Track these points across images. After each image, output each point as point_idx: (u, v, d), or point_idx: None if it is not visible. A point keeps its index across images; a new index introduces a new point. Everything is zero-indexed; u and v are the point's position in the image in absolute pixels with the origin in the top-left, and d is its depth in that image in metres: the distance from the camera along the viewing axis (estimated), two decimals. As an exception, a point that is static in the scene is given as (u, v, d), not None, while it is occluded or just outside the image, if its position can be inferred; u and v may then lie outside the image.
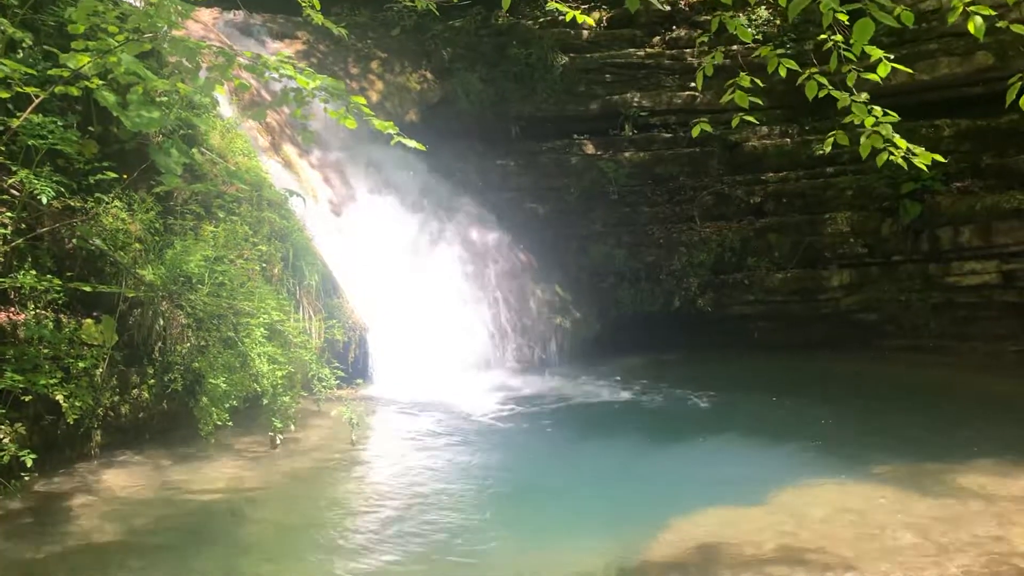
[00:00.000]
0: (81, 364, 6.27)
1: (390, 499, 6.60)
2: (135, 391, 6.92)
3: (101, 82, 5.74)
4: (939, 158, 4.79)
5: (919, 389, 10.12)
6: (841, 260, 12.66)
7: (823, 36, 4.50)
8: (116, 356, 6.74)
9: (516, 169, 13.84)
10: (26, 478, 5.92)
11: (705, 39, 13.04)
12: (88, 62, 5.28)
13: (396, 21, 14.10)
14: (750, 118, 5.42)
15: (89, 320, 6.53)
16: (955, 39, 12.15)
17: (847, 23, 3.94)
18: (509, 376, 11.24)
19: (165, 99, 7.22)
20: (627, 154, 13.75)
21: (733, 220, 13.37)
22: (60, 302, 6.37)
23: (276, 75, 5.26)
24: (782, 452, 7.59)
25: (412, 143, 5.34)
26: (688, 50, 14.02)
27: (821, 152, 12.85)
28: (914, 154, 4.70)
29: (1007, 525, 5.49)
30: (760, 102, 5.50)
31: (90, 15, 5.14)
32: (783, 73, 4.98)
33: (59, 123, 6.36)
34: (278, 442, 7.39)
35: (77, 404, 6.13)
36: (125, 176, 7.00)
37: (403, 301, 10.40)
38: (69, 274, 6.51)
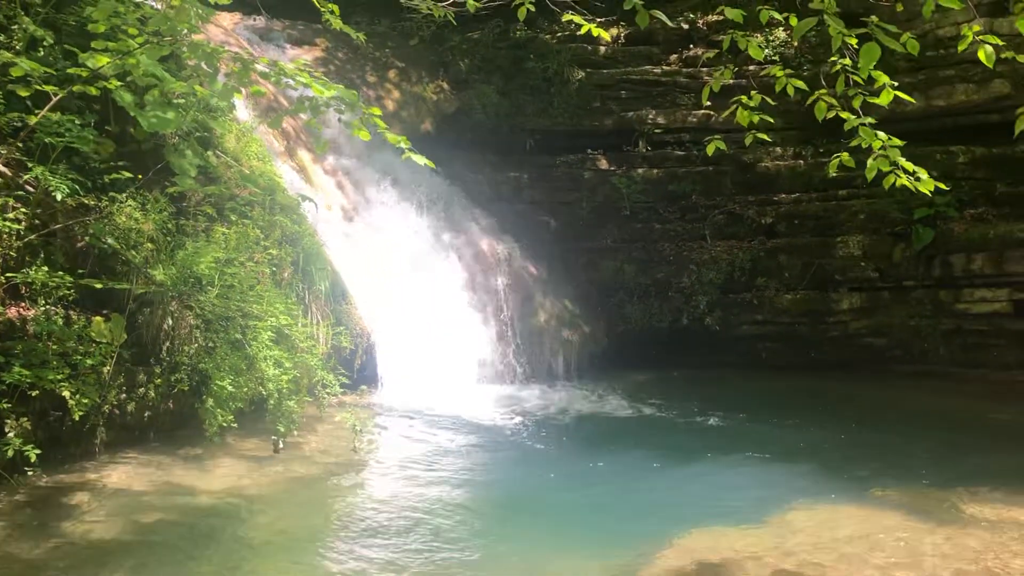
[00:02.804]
0: (89, 361, 6.30)
1: (391, 506, 6.60)
2: (141, 390, 6.95)
3: (119, 83, 5.80)
4: (942, 185, 4.81)
5: (925, 415, 10.05)
6: (851, 283, 12.63)
7: (832, 59, 4.52)
8: (124, 354, 6.78)
9: (529, 182, 13.88)
10: (30, 473, 5.97)
11: (711, 55, 13.06)
12: (107, 62, 5.34)
13: (414, 31, 14.19)
14: (763, 136, 5.43)
15: (98, 318, 6.57)
16: (972, 66, 12.11)
17: (856, 47, 3.96)
18: (515, 388, 11.24)
19: (182, 101, 7.30)
20: (640, 170, 13.77)
21: (744, 240, 13.36)
22: (70, 299, 6.42)
23: (292, 83, 5.32)
24: (785, 473, 7.55)
25: (422, 160, 5.36)
26: (704, 69, 14.04)
27: (835, 173, 12.82)
28: (919, 178, 4.71)
29: (1008, 554, 5.45)
30: (770, 120, 5.52)
31: (111, 16, 5.21)
32: (791, 92, 5.01)
33: (76, 122, 6.42)
34: (281, 446, 7.41)
35: (84, 401, 6.17)
36: (140, 176, 7.06)
37: (411, 310, 10.42)
38: (80, 271, 6.56)
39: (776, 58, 12.93)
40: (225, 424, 7.03)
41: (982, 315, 11.69)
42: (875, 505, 6.59)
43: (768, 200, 13.42)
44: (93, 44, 5.46)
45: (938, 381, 11.59)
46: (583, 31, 5.32)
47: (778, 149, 13.55)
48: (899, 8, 6.31)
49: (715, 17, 14.37)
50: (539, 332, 12.22)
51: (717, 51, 13.61)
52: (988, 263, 11.57)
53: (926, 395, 11.02)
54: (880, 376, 12.02)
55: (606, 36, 6.44)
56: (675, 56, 14.57)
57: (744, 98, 5.15)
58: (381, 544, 5.77)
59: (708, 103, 13.35)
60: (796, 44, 13.23)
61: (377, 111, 5.17)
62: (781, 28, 13.57)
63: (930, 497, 6.72)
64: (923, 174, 4.65)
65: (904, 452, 8.24)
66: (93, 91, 5.85)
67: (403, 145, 5.14)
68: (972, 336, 11.93)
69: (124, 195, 7.02)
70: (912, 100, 5.34)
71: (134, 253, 6.96)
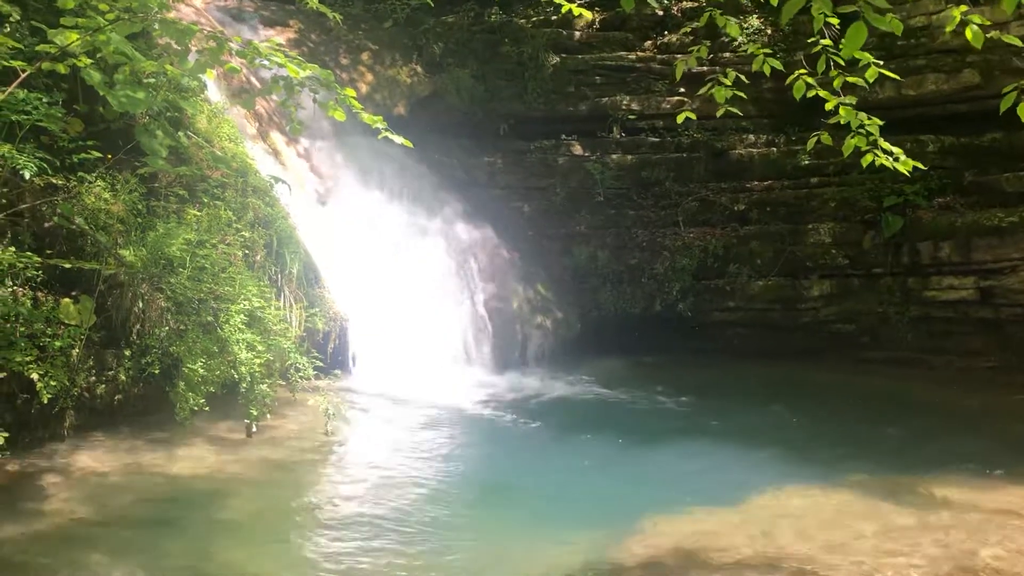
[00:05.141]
0: (57, 343, 6.22)
1: (364, 490, 6.61)
2: (111, 373, 6.87)
3: (89, 60, 5.69)
4: (920, 165, 4.85)
5: (894, 400, 10.20)
6: (822, 270, 12.74)
7: (812, 39, 4.54)
8: (93, 337, 6.70)
9: (503, 167, 13.83)
10: (-3, 456, 5.88)
11: (689, 28, 13.09)
12: (77, 40, 5.23)
13: (389, 14, 14.06)
14: (735, 110, 5.45)
15: (67, 299, 6.48)
16: (943, 56, 12.26)
17: (838, 28, 3.99)
18: (488, 373, 11.25)
19: (152, 81, 7.17)
20: (614, 156, 13.77)
21: (717, 227, 13.42)
22: (38, 280, 6.31)
23: (266, 62, 5.25)
24: (757, 457, 7.64)
25: (399, 139, 5.34)
26: (679, 55, 14.04)
27: (806, 160, 12.95)
28: (896, 158, 4.76)
29: (976, 538, 5.55)
30: (743, 95, 5.54)
31: (80, -9, 5.10)
32: (767, 71, 5.03)
33: (44, 100, 6.31)
34: (254, 430, 7.36)
35: (52, 383, 6.09)
36: (109, 156, 6.96)
37: (385, 294, 10.37)
38: (49, 252, 6.46)
39: (745, 49, 12.97)
40: (196, 408, 6.97)
41: (949, 302, 11.84)
42: (845, 488, 6.68)
43: (741, 187, 13.49)
44: (62, 20, 5.35)
45: (906, 367, 11.75)
46: (564, 10, 5.28)
47: (751, 136, 13.63)
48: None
49: (689, 3, 14.40)
50: (512, 317, 12.22)
51: (692, 35, 13.70)
52: (955, 251, 11.73)
53: (894, 381, 11.17)
54: (849, 362, 12.16)
55: (588, 15, 6.40)
56: (649, 42, 14.57)
57: (721, 76, 5.16)
58: (354, 528, 5.76)
59: (682, 90, 13.65)
60: (783, 29, 13.26)
61: (352, 92, 5.12)
62: (755, 16, 13.64)
63: (899, 481, 6.82)
64: (901, 154, 4.69)
65: (873, 437, 8.36)
66: (62, 68, 5.73)
67: (379, 125, 5.10)
68: (939, 323, 12.09)
69: (93, 175, 6.92)
70: (897, 77, 5.38)
71: (103, 234, 6.86)
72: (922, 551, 5.32)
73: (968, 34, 3.90)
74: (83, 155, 6.77)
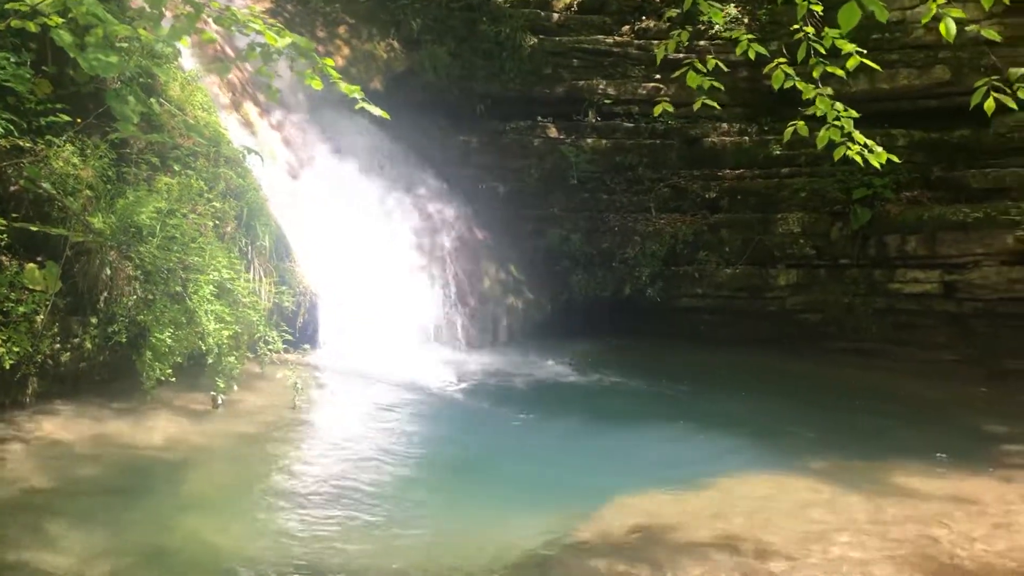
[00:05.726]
0: (21, 308, 6.14)
1: (329, 465, 6.60)
2: (76, 340, 6.78)
3: (60, 20, 5.57)
4: (894, 158, 4.92)
5: (856, 390, 10.36)
6: (789, 260, 12.86)
7: (795, 26, 4.57)
8: (59, 303, 6.61)
9: (478, 147, 13.78)
10: (-43, 422, 5.79)
11: (674, 14, 13.11)
12: (48, -2, 5.13)
13: (367, -13, 13.90)
14: (712, 102, 5.48)
15: (32, 264, 6.38)
16: (915, 51, 12.41)
17: (820, 16, 4.02)
18: (458, 352, 11.25)
19: (125, 45, 7.06)
20: (589, 140, 13.78)
21: (688, 213, 13.49)
22: (3, 244, 6.22)
23: (244, 30, 5.18)
24: (720, 442, 7.73)
25: (377, 110, 5.30)
26: (656, 41, 14.03)
27: (777, 150, 13.05)
28: (870, 150, 4.82)
29: (935, 523, 5.67)
30: (720, 87, 5.56)
31: (53, -51, 4.99)
32: (752, 56, 5.06)
33: (12, 59, 6.18)
34: (220, 402, 7.32)
35: (15, 349, 6.01)
36: (79, 120, 6.83)
37: (356, 270, 10.32)
38: (14, 216, 6.34)
39: (727, 34, 13.00)
40: (163, 378, 6.92)
41: (914, 295, 12.02)
42: (808, 475, 6.77)
43: (712, 175, 13.57)
44: (33, -22, 5.23)
45: (869, 358, 11.92)
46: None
47: (724, 125, 13.69)
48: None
49: (668, -11, 14.40)
50: (484, 297, 12.23)
51: (669, 22, 13.71)
52: (921, 245, 11.89)
53: (858, 371, 11.34)
54: (814, 351, 12.31)
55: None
56: (627, 27, 14.56)
57: (697, 62, 5.18)
58: (318, 501, 5.76)
59: (658, 76, 13.67)
60: (747, 21, 13.33)
61: (331, 61, 5.07)
62: (732, 4, 13.67)
63: (861, 468, 6.94)
64: (874, 147, 4.75)
65: (836, 425, 8.48)
66: (32, 27, 5.61)
67: (357, 95, 5.06)
68: (903, 315, 12.27)
69: (62, 139, 6.80)
70: (877, 67, 5.43)
71: (71, 200, 6.76)
72: (881, 535, 5.43)
73: (942, 28, 3.95)
74: (51, 118, 6.64)
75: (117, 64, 5.63)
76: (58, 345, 6.64)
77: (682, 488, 6.35)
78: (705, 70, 5.31)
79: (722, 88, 5.66)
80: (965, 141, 12.20)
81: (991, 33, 4.21)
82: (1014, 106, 4.23)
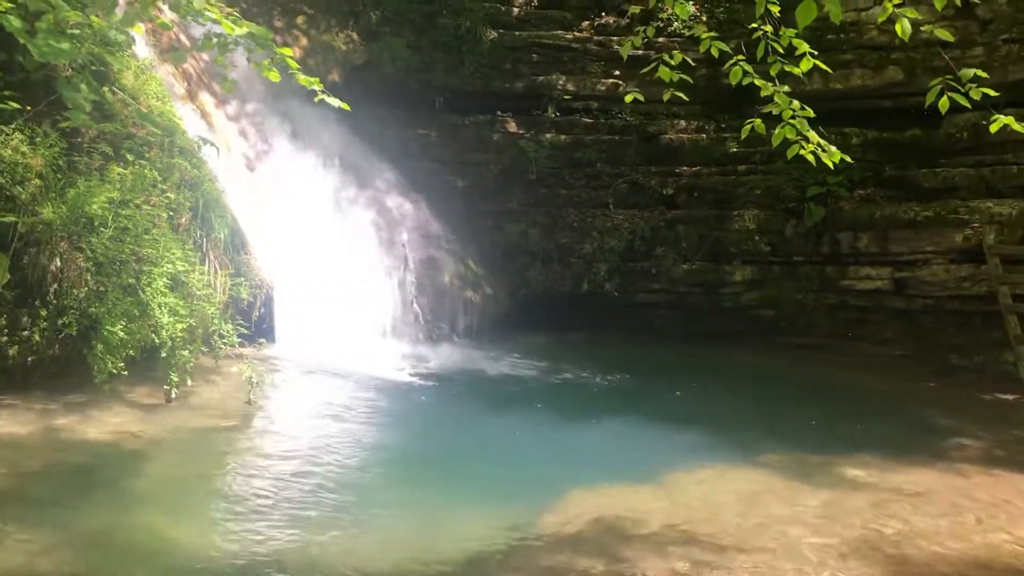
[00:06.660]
0: (-32, 300, 5.98)
1: (284, 460, 6.52)
2: (25, 332, 6.64)
3: (9, 4, 5.44)
4: (847, 158, 5.01)
5: (808, 385, 10.55)
6: (745, 256, 13.04)
7: (754, 25, 4.63)
8: (7, 295, 6.46)
9: (437, 140, 13.75)
10: (-100, 415, 5.64)
11: (637, 10, 13.19)
12: (-3, -18, 5.00)
13: (325, -23, 13.76)
14: (681, 95, 5.54)
15: (-21, 255, 6.23)
16: (869, 52, 12.66)
17: (779, 14, 4.08)
18: (416, 346, 11.22)
19: (77, 32, 6.90)
20: (548, 136, 13.83)
21: (645, 209, 13.62)
22: (-51, 234, 6.06)
23: (200, 18, 5.10)
24: (676, 436, 7.81)
25: (336, 102, 5.27)
26: (615, 37, 14.14)
27: (734, 148, 13.22)
28: (824, 150, 4.90)
29: (883, 514, 5.80)
30: (690, 79, 5.63)
31: (3, -68, 4.87)
32: (715, 53, 5.11)
33: (-41, 45, 6.02)
34: (173, 396, 7.22)
35: (-39, 342, 5.85)
36: (29, 108, 6.68)
37: (313, 263, 10.22)
38: (-40, 205, 6.19)
39: (685, 32, 13.12)
40: (115, 371, 6.80)
41: (865, 291, 12.27)
42: (760, 468, 6.89)
43: (670, 172, 13.71)
44: (-19, -39, 5.10)
45: (821, 353, 12.14)
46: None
47: (682, 122, 13.85)
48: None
49: (628, -14, 14.47)
50: (442, 291, 12.20)
51: (629, 19, 13.81)
52: (873, 242, 12.15)
53: (810, 366, 11.53)
54: (768, 346, 12.50)
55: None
56: (587, 23, 14.63)
57: (666, 56, 5.23)
58: (272, 496, 5.69)
59: (617, 72, 13.74)
60: (705, 19, 13.46)
61: (289, 51, 5.02)
62: (690, 2, 13.78)
63: (812, 461, 7.06)
64: (829, 147, 4.84)
65: (788, 419, 8.62)
66: (-21, 12, 5.46)
67: (316, 87, 5.02)
68: (855, 311, 12.52)
69: (11, 127, 6.64)
70: (829, 70, 5.54)
71: (20, 189, 6.60)
72: (831, 527, 5.54)
73: (898, 28, 4.04)
74: (0, 105, 6.48)
75: (68, 51, 5.52)
76: (5, 338, 6.50)
77: (638, 481, 6.41)
78: (673, 64, 5.36)
79: (691, 81, 5.72)
80: (917, 141, 12.49)
81: (944, 34, 4.31)
82: (968, 104, 4.33)
